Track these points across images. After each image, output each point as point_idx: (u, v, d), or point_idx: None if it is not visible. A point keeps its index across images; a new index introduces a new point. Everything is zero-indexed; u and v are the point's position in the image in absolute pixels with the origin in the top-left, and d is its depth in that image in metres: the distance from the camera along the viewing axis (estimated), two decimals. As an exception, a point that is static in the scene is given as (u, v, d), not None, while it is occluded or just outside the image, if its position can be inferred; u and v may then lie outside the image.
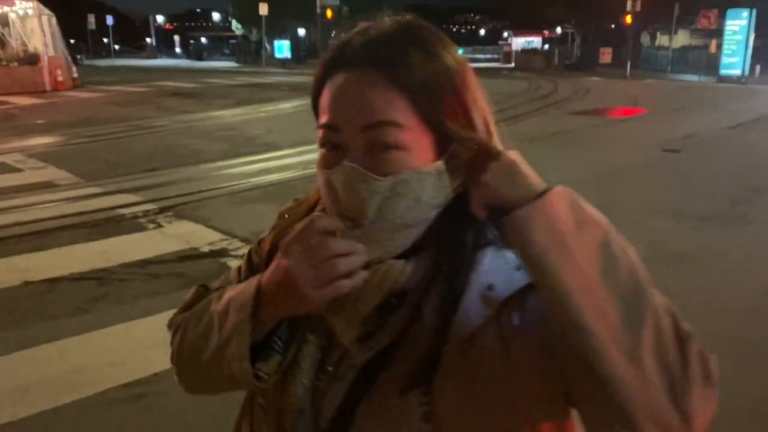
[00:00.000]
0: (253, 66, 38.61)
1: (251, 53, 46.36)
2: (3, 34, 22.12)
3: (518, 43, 46.21)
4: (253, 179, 7.72)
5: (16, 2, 20.82)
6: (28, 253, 5.09)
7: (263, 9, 36.72)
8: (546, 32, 48.87)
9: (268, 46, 42.84)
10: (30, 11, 21.11)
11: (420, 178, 0.75)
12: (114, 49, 62.52)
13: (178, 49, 69.38)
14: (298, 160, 8.82)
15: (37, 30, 21.14)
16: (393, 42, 0.76)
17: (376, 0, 49.29)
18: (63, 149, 10.09)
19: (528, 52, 40.96)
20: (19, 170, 8.34)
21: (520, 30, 47.97)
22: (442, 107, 0.75)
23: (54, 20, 21.79)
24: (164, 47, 75.20)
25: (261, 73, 30.02)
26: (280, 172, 8.11)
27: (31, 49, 20.94)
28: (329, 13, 36.88)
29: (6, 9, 21.10)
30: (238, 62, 45.53)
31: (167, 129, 12.25)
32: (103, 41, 67.13)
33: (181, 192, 7.05)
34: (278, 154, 9.35)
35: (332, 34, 45.89)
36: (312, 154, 9.30)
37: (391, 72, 0.74)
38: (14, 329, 3.77)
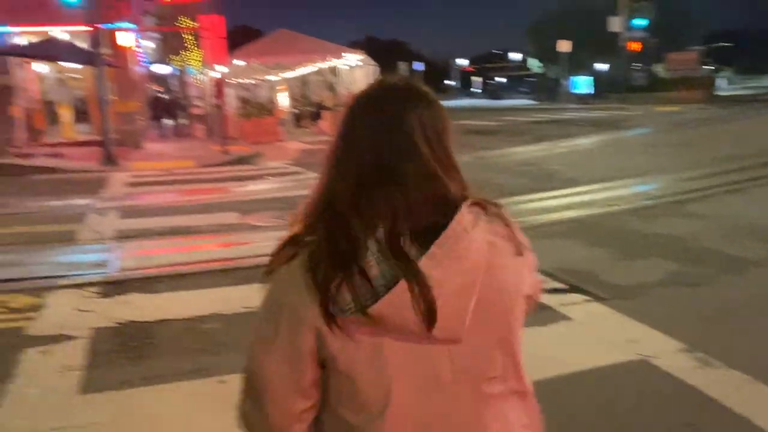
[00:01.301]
0: (551, 103, 38.63)
1: (549, 90, 46.51)
2: (334, 83, 25.75)
3: None
4: (555, 214, 7.72)
5: (347, 55, 24.07)
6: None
7: (563, 46, 36.65)
8: None
9: (565, 83, 42.52)
10: (359, 63, 24.21)
11: None
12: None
13: (477, 89, 72.84)
14: (601, 197, 8.57)
15: (361, 79, 24.11)
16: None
17: (686, 27, 45.89)
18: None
19: None
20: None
21: None
22: None
23: (377, 70, 24.62)
24: (464, 88, 79.64)
25: (559, 110, 29.91)
26: (583, 208, 7.97)
27: (354, 95, 23.91)
28: (635, 46, 35.21)
29: (337, 61, 24.53)
30: (535, 100, 46.06)
31: (469, 164, 12.76)
32: (410, 86, 73.62)
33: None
34: (579, 189, 9.20)
35: (637, 67, 43.71)
36: (615, 190, 9.00)
37: None
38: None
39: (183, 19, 22.82)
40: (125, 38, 17.77)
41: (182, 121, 24.71)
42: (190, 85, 26.56)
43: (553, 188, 9.40)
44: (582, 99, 38.97)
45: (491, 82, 71.67)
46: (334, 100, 24.20)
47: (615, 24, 32.97)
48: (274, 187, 11.27)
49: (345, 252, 1.05)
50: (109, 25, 16.54)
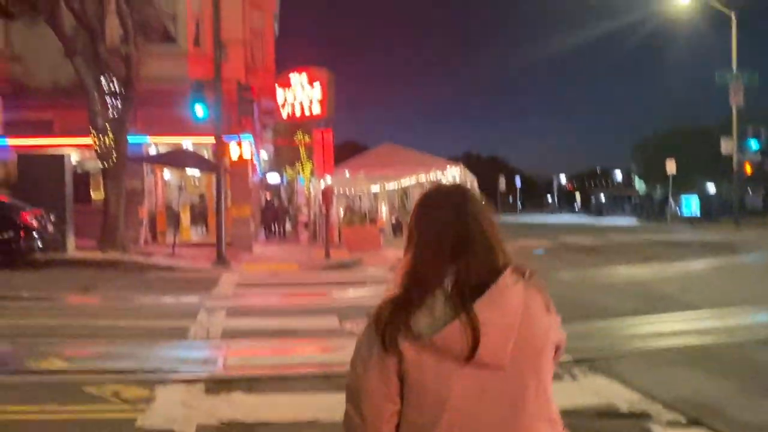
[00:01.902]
0: (656, 223, 37.36)
1: (654, 210, 45.09)
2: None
3: None
4: (670, 340, 7.25)
5: (448, 167, 24.67)
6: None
7: (671, 167, 35.74)
8: None
9: (672, 202, 41.16)
10: (457, 176, 24.70)
11: None
12: (519, 206, 68.31)
13: (577, 206, 71.76)
14: (720, 324, 8.00)
15: (461, 191, 24.50)
16: None
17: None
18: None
19: None
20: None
21: None
22: None
23: (475, 183, 24.99)
24: (564, 204, 78.72)
25: (666, 231, 28.84)
26: (701, 334, 7.45)
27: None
28: (748, 169, 33.81)
29: (439, 174, 25.16)
30: (639, 219, 44.67)
31: (571, 283, 12.46)
32: (509, 199, 73.92)
33: (593, 345, 6.97)
34: (697, 314, 8.64)
35: (749, 191, 41.83)
36: (736, 318, 8.38)
37: None
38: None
39: (298, 133, 24.48)
40: (245, 150, 19.16)
41: (288, 226, 25.84)
42: (299, 194, 27.96)
43: (666, 311, 8.88)
44: (690, 221, 37.39)
45: (593, 199, 70.58)
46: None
47: (728, 145, 31.92)
48: (372, 294, 11.37)
49: (409, 300, 1.47)
50: (232, 137, 17.97)
